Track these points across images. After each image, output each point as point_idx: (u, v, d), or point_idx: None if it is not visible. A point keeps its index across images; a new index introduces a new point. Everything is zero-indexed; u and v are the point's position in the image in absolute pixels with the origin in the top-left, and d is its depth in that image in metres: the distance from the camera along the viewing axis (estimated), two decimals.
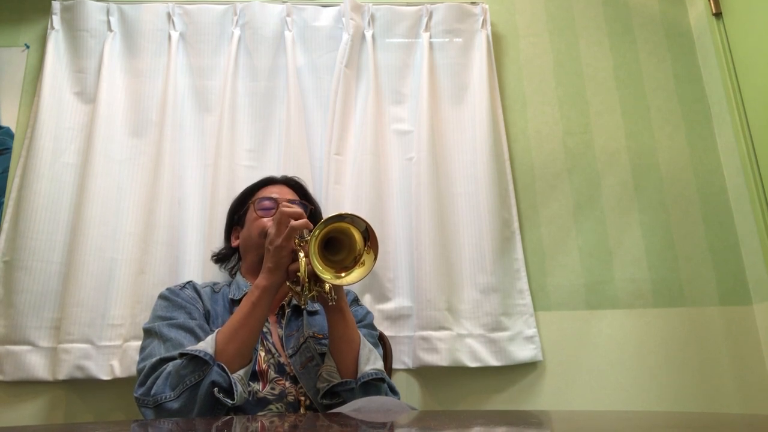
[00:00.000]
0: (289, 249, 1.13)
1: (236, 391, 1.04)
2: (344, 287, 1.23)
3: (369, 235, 1.10)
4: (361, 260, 1.10)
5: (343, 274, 1.09)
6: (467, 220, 1.75)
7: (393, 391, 1.23)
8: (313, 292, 1.12)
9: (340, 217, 1.08)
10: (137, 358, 1.18)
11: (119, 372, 1.51)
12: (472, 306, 1.66)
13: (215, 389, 1.03)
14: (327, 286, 1.11)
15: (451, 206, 1.76)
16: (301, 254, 1.11)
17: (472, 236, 1.73)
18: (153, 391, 1.05)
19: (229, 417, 1.07)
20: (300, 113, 1.77)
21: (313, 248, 1.05)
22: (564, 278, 1.78)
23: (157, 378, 1.06)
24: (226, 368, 1.05)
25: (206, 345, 1.07)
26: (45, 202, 1.63)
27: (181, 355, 1.07)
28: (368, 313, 1.39)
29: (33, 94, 1.78)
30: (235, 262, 1.49)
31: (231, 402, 1.03)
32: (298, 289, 1.13)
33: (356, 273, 1.09)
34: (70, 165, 1.69)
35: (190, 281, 1.33)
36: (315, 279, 1.12)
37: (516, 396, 1.66)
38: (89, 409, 1.56)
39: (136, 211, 1.66)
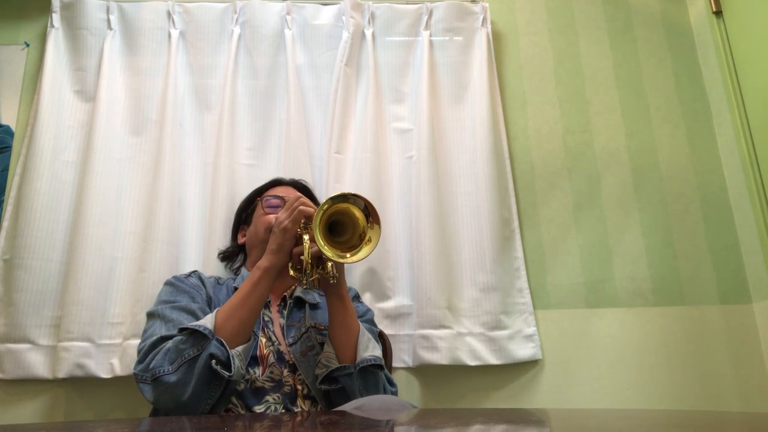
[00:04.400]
0: (293, 231, 1.15)
1: (234, 365, 1.05)
2: (347, 284, 1.25)
3: (370, 212, 1.11)
4: (367, 237, 1.11)
5: (348, 254, 1.10)
6: (467, 218, 1.75)
7: (390, 383, 1.25)
8: (316, 275, 1.14)
9: (344, 197, 1.09)
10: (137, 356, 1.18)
11: (119, 370, 1.51)
12: (472, 304, 1.67)
13: (213, 361, 1.04)
14: (329, 265, 1.12)
15: (451, 205, 1.76)
16: (306, 237, 1.12)
17: (472, 235, 1.73)
18: (151, 365, 1.06)
19: (227, 418, 1.07)
20: (300, 112, 1.77)
21: (317, 223, 1.06)
22: (564, 277, 1.78)
23: (156, 354, 1.07)
24: (224, 343, 1.06)
25: (206, 321, 1.09)
26: (45, 200, 1.63)
27: (181, 330, 1.09)
28: (369, 310, 1.40)
29: (33, 92, 1.77)
30: (240, 262, 1.51)
31: (228, 374, 1.04)
32: (300, 276, 1.14)
33: (365, 250, 1.11)
34: (70, 163, 1.69)
35: (196, 271, 1.35)
36: (318, 262, 1.13)
37: (515, 394, 1.66)
38: (89, 408, 1.56)
39: (136, 210, 1.66)
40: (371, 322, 1.36)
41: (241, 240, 1.49)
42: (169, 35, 1.82)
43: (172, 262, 1.61)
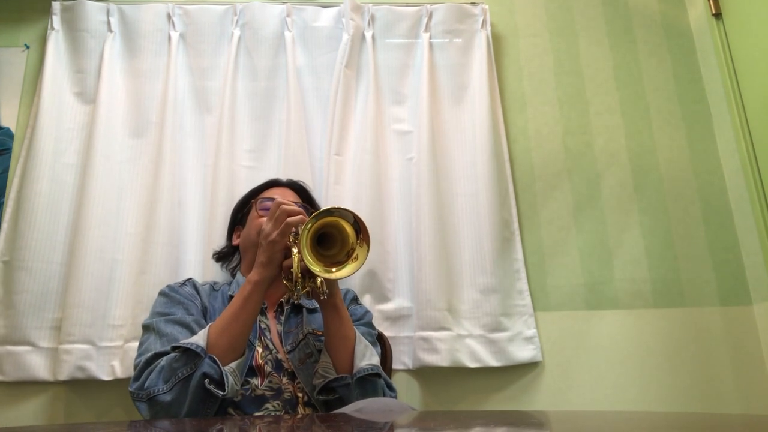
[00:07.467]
0: (282, 244, 1.14)
1: (227, 383, 1.05)
2: (347, 286, 1.24)
3: (360, 228, 1.10)
4: (354, 254, 1.11)
5: (334, 269, 1.10)
6: (467, 220, 1.75)
7: (390, 388, 1.24)
8: (307, 288, 1.13)
9: (329, 212, 1.09)
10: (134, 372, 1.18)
11: (120, 372, 1.51)
12: (472, 306, 1.66)
13: (206, 381, 1.04)
14: (319, 280, 1.12)
15: (451, 207, 1.76)
16: (295, 250, 1.11)
17: (472, 237, 1.73)
18: (146, 385, 1.06)
19: (226, 418, 1.07)
20: (300, 113, 1.77)
21: (305, 241, 1.06)
22: (564, 278, 1.78)
23: (151, 372, 1.07)
24: (217, 360, 1.06)
25: (198, 338, 1.09)
26: (45, 202, 1.63)
27: (174, 348, 1.08)
28: (367, 312, 1.39)
29: (33, 95, 1.77)
30: (237, 262, 1.50)
31: (222, 393, 1.04)
32: (291, 286, 1.13)
33: (349, 267, 1.10)
34: (70, 165, 1.69)
35: (190, 279, 1.34)
36: (308, 274, 1.13)
37: (516, 396, 1.66)
38: (90, 410, 1.56)
39: (136, 212, 1.66)
40: (370, 325, 1.36)
41: (235, 241, 1.48)
42: (169, 37, 1.82)
43: (173, 263, 1.61)
